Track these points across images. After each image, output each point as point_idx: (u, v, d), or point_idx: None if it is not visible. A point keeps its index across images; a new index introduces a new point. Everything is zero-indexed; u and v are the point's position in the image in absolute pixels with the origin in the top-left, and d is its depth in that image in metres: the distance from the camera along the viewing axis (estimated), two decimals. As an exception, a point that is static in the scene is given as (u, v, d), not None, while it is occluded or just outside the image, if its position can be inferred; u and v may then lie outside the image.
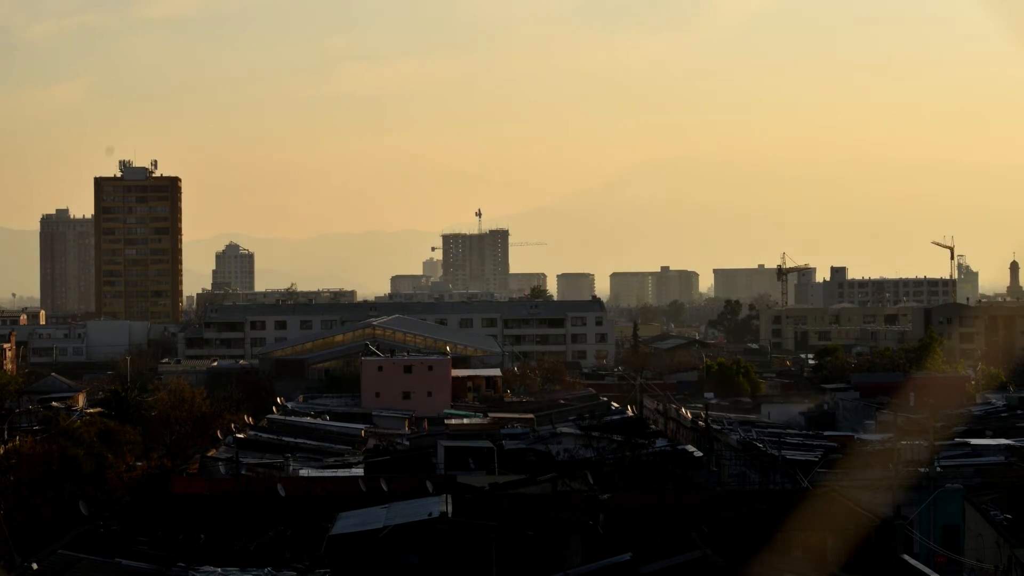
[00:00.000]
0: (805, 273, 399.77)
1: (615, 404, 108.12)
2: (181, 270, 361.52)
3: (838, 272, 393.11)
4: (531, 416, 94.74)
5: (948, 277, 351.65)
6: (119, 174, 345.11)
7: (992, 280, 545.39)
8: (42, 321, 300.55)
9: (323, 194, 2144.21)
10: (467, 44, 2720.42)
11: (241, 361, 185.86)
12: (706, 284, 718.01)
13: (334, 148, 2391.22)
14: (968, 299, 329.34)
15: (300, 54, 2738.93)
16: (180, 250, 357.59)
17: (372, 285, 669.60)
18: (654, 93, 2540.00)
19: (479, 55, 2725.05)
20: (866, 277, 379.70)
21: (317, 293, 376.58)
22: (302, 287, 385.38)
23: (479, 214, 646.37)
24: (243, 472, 68.21)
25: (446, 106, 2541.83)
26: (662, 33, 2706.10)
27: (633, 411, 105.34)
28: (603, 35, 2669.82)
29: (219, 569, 44.71)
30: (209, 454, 78.19)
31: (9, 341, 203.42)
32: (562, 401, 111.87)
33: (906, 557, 44.84)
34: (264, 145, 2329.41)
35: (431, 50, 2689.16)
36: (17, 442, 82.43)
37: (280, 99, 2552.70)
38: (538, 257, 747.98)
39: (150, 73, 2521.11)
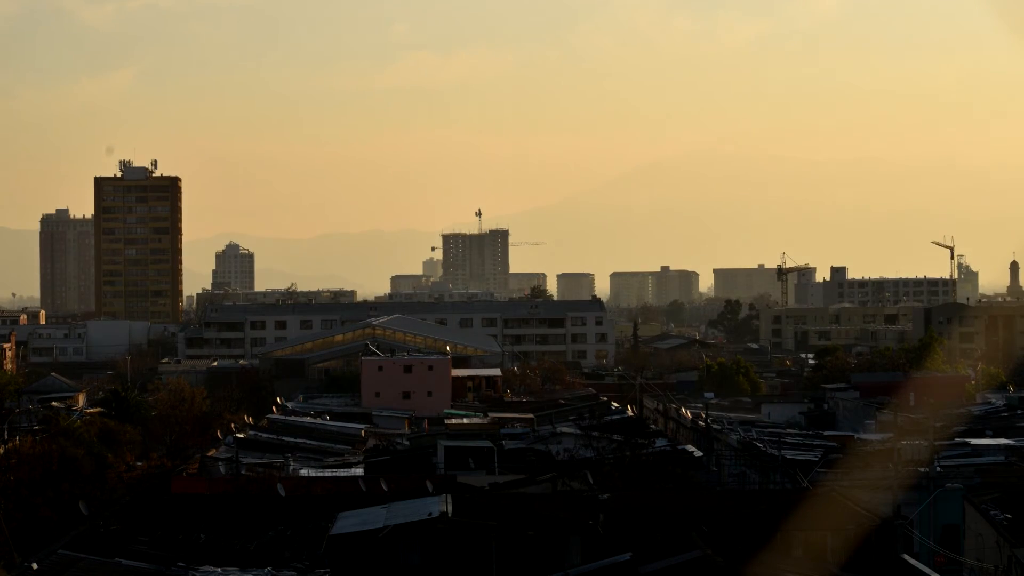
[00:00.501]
0: (805, 273, 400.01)
1: (615, 404, 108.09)
2: (181, 270, 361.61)
3: (838, 272, 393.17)
4: (531, 416, 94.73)
5: (948, 277, 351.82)
6: (119, 174, 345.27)
7: (992, 280, 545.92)
8: (42, 321, 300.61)
9: (323, 194, 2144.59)
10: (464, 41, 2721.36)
11: (241, 361, 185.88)
12: (706, 284, 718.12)
13: (336, 147, 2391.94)
14: (968, 299, 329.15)
15: (364, 43, 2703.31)
16: (180, 250, 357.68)
17: (372, 285, 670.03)
18: (654, 93, 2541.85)
19: (477, 52, 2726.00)
20: (866, 277, 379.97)
21: (317, 293, 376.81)
22: (302, 287, 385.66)
23: (479, 214, 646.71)
24: (243, 472, 68.17)
25: (446, 105, 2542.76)
26: (659, 33, 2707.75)
27: (633, 411, 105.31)
28: (600, 35, 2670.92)
29: (219, 569, 44.68)
30: (209, 454, 78.08)
31: (9, 341, 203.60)
32: (562, 401, 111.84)
33: (906, 557, 44.80)
34: (265, 144, 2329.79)
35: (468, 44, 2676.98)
36: (17, 442, 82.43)
37: (292, 95, 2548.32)
38: (538, 257, 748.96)
39: (199, 63, 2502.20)
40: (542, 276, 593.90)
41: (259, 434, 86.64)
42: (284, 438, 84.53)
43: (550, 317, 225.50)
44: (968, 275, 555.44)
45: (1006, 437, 78.39)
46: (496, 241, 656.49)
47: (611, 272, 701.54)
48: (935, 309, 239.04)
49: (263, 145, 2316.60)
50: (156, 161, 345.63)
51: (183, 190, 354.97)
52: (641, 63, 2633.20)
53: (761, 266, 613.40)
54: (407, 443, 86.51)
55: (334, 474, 71.29)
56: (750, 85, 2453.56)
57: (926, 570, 43.64)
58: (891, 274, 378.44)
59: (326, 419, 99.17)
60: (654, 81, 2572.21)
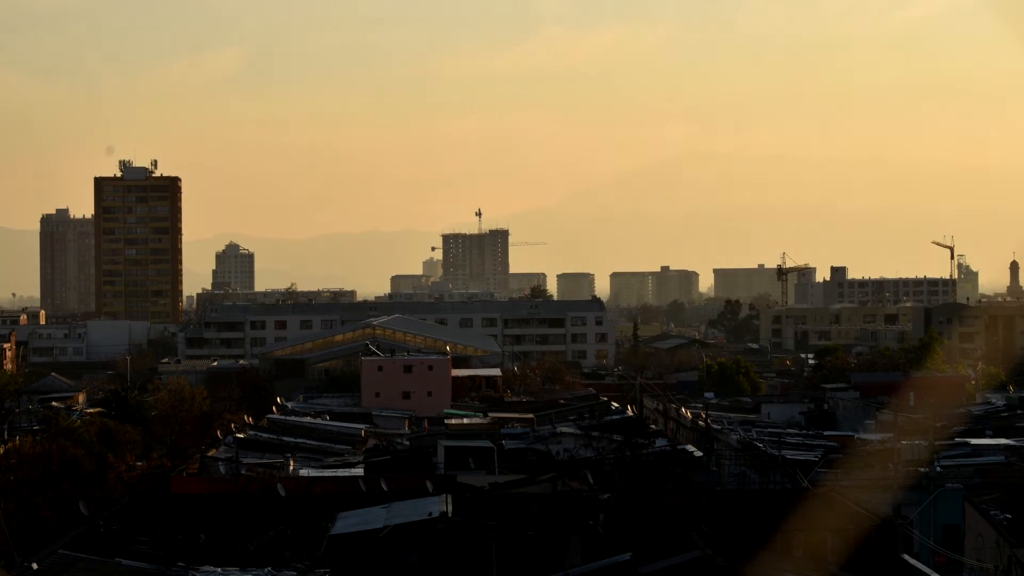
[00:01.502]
0: (805, 273, 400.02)
1: (615, 404, 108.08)
2: (181, 270, 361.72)
3: (838, 272, 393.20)
4: (531, 416, 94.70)
5: (948, 277, 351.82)
6: (119, 174, 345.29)
7: (992, 280, 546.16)
8: (42, 321, 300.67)
9: (323, 194, 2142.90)
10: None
11: (241, 361, 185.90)
12: (706, 284, 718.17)
13: (336, 145, 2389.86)
14: (968, 299, 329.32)
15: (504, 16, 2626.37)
16: (180, 250, 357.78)
17: (372, 285, 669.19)
18: (654, 92, 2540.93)
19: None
20: (866, 277, 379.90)
21: (317, 293, 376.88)
22: (302, 287, 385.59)
23: (479, 214, 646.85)
24: (243, 472, 68.17)
25: (448, 98, 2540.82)
26: (657, 33, 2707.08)
27: (633, 411, 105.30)
28: (599, 35, 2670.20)
29: (219, 569, 44.65)
30: (209, 454, 78.13)
31: (9, 341, 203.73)
32: (562, 401, 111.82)
33: (906, 557, 44.82)
34: (264, 143, 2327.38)
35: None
36: (17, 442, 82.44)
37: (305, 91, 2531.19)
38: (538, 257, 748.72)
39: (305, 47, 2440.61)
40: (542, 276, 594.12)
41: (259, 434, 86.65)
42: (284, 438, 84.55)
43: (550, 317, 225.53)
44: (968, 275, 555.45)
45: (1006, 437, 78.32)
46: (496, 241, 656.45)
47: (611, 272, 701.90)
48: (935, 309, 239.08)
49: (266, 145, 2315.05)
50: (156, 161, 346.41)
51: (183, 190, 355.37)
52: (636, 62, 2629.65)
53: (761, 266, 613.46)
54: (407, 443, 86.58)
55: (334, 474, 71.30)
56: (746, 84, 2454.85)
57: (926, 570, 43.66)
58: (891, 274, 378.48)
59: (326, 419, 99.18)
60: (652, 81, 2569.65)
